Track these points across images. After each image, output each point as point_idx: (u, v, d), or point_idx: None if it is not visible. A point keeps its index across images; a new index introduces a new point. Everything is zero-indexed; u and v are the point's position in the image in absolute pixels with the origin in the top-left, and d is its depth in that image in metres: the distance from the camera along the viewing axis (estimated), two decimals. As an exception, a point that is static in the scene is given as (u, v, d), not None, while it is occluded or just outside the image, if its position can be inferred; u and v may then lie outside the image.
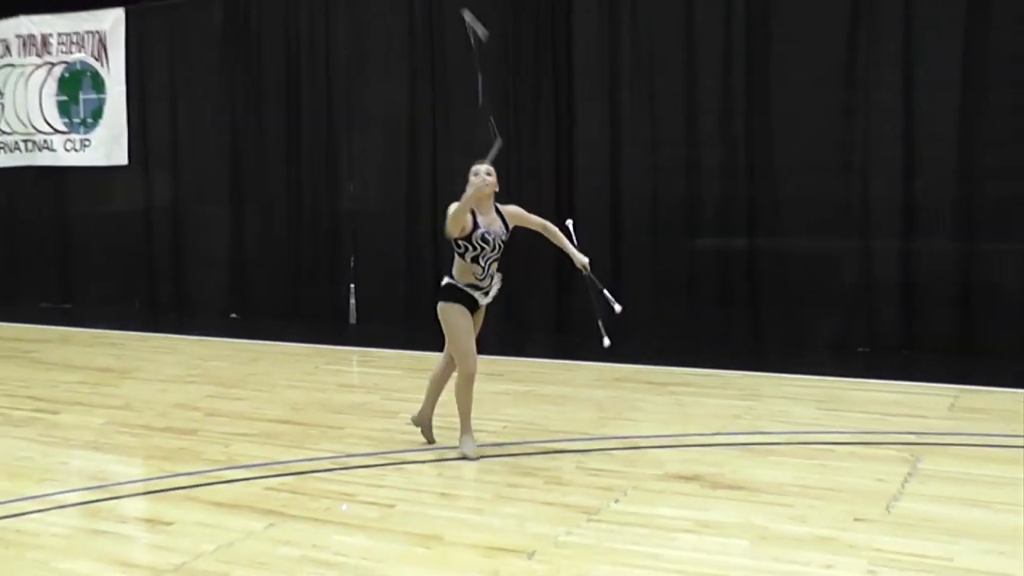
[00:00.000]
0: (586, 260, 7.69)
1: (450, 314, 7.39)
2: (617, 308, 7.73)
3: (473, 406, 7.58)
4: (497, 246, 7.37)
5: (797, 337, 11.49)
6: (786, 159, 11.50)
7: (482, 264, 7.34)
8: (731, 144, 11.72)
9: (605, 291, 7.75)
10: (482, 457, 7.55)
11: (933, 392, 9.34)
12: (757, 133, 11.61)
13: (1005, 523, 6.02)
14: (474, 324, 7.49)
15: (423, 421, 7.97)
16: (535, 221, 7.77)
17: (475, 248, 7.30)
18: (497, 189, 7.43)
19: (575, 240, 7.82)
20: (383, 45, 13.61)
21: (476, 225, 7.29)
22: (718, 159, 11.79)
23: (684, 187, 11.95)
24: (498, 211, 7.47)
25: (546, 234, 7.81)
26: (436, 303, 7.49)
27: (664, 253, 12.05)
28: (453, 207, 7.18)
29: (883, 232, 11.16)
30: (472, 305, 7.42)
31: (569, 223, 8.07)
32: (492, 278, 7.47)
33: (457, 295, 7.40)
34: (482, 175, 7.28)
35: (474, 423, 7.65)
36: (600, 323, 7.71)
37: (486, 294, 7.47)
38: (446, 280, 7.48)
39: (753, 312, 11.78)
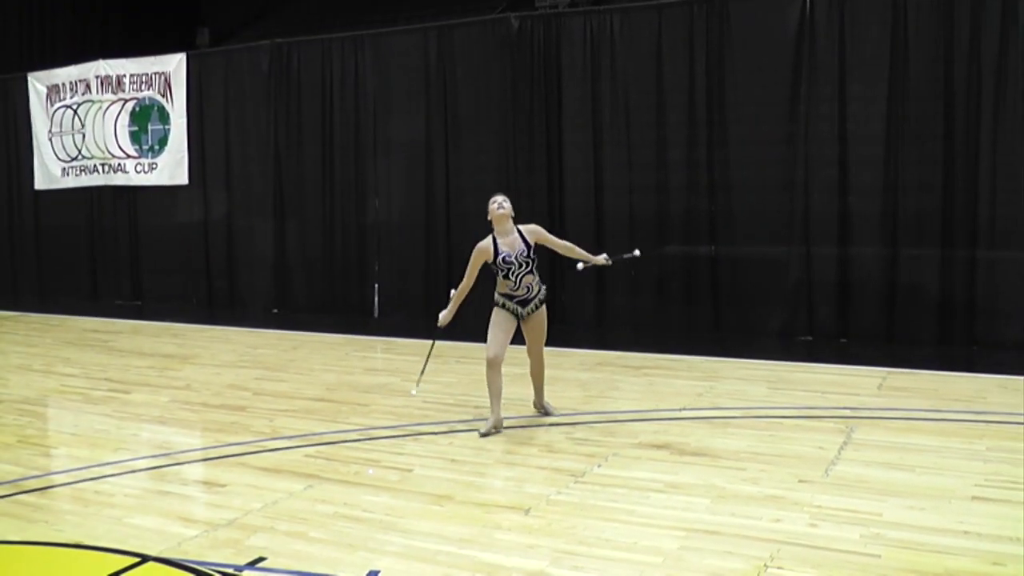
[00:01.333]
0: (603, 256, 7.85)
1: (493, 315, 7.48)
2: (636, 253, 8.26)
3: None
4: (522, 263, 7.34)
5: (750, 328, 11.46)
6: (740, 179, 11.50)
7: (512, 279, 7.36)
8: (694, 167, 11.70)
9: (624, 256, 8.15)
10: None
11: (864, 374, 9.30)
12: (716, 158, 11.59)
13: (926, 484, 6.00)
14: (528, 329, 7.53)
15: (535, 403, 8.03)
16: (556, 242, 7.69)
17: (502, 269, 7.33)
18: (513, 214, 7.40)
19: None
20: (403, 84, 13.59)
21: (497, 252, 7.32)
22: (684, 180, 11.77)
23: (655, 203, 11.93)
24: (519, 232, 7.41)
25: (566, 252, 7.79)
26: None
27: (639, 257, 11.98)
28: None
29: (822, 240, 11.13)
30: (513, 311, 7.44)
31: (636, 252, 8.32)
32: (528, 289, 7.41)
33: (496, 303, 7.47)
34: (499, 202, 7.38)
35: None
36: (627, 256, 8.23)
37: (524, 303, 7.42)
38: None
39: (713, 307, 11.75)
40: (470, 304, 7.56)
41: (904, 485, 5.98)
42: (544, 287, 7.58)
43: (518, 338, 7.55)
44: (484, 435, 7.41)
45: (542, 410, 7.92)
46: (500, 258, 7.32)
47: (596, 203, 12.24)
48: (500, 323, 7.44)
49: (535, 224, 7.63)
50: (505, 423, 7.60)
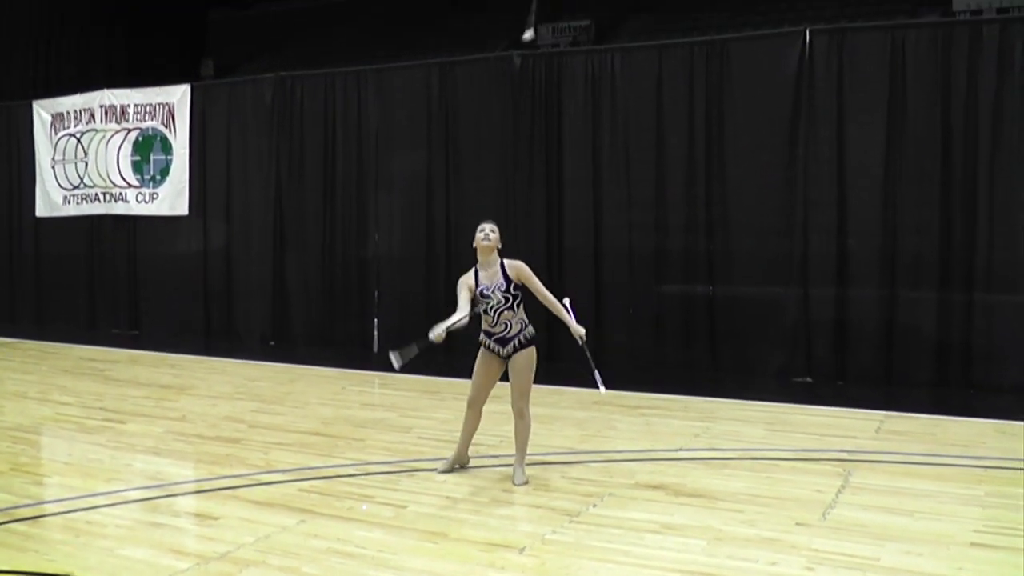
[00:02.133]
0: (583, 331, 7.12)
1: (478, 356, 7.22)
2: (602, 390, 7.07)
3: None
4: (500, 298, 7.02)
5: (747, 368, 11.41)
6: (739, 219, 11.50)
7: (490, 314, 7.07)
8: (693, 206, 11.70)
9: (596, 372, 7.11)
10: (482, 467, 7.47)
11: (862, 417, 9.24)
12: (714, 197, 11.60)
13: (924, 529, 5.94)
14: (511, 373, 7.09)
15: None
16: (538, 288, 7.15)
17: (480, 303, 7.06)
18: (499, 247, 7.12)
19: (573, 315, 7.21)
20: (405, 119, 13.61)
21: (477, 283, 7.09)
22: (682, 218, 11.77)
23: (654, 241, 11.92)
24: (503, 265, 7.09)
25: (545, 303, 7.20)
26: None
27: (637, 296, 12.00)
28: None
29: (819, 280, 11.11)
30: (493, 350, 7.13)
31: (567, 301, 7.34)
32: (507, 326, 7.06)
33: (480, 342, 7.21)
34: (486, 231, 7.07)
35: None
36: (596, 375, 7.29)
37: (502, 343, 7.07)
38: None
39: (711, 347, 11.71)
40: (467, 332, 7.37)
41: (902, 530, 5.92)
42: (529, 328, 7.16)
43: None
44: (442, 472, 7.34)
45: (514, 476, 7.17)
46: (479, 291, 7.07)
47: (595, 240, 12.23)
48: (481, 364, 7.19)
49: (521, 261, 7.20)
50: (503, 460, 7.54)
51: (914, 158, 10.68)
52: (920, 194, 10.66)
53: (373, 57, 23.76)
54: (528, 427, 7.19)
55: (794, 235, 11.20)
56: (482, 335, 7.19)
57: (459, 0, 26.84)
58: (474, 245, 7.14)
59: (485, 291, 7.06)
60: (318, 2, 32.99)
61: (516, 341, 7.10)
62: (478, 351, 7.23)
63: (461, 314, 6.93)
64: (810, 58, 11.08)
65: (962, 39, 10.48)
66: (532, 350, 7.14)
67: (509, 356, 7.11)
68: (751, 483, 7.01)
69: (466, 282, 7.10)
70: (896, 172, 10.76)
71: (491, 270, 7.09)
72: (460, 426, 7.39)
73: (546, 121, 12.49)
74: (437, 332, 6.77)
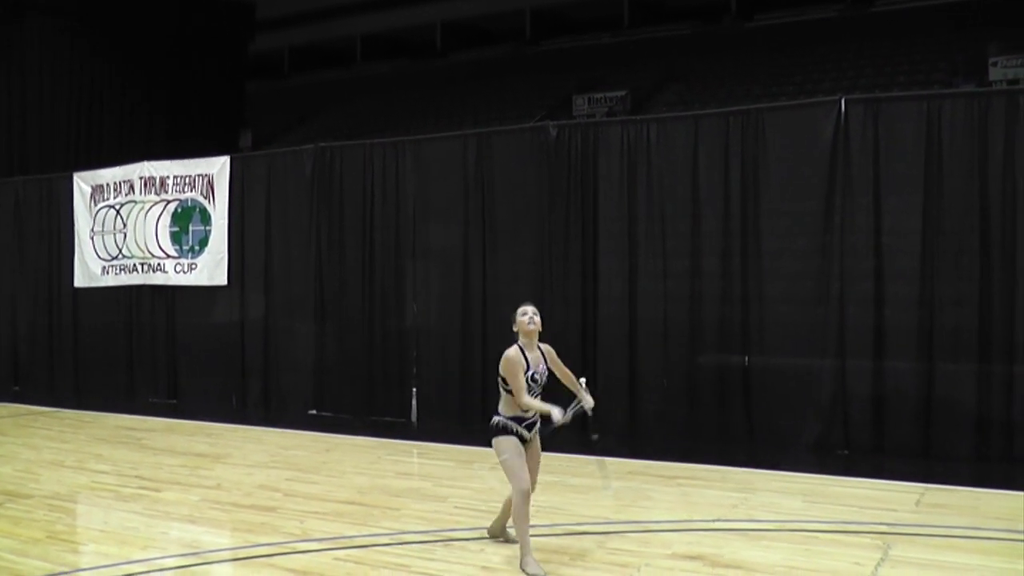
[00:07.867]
0: (593, 403, 6.97)
1: (502, 447, 6.82)
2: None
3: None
4: (542, 384, 6.90)
5: (784, 440, 11.32)
6: (774, 290, 11.48)
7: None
8: (728, 277, 11.70)
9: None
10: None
11: (901, 489, 9.17)
12: (750, 269, 11.59)
13: (965, 603, 5.90)
14: (529, 456, 6.89)
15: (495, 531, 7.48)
16: (564, 370, 7.07)
17: (532, 388, 6.84)
18: (540, 330, 6.98)
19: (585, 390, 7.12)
20: (442, 190, 13.73)
21: (528, 366, 6.81)
22: (717, 290, 11.76)
23: (689, 312, 11.91)
24: (541, 350, 6.99)
25: (565, 381, 7.09)
26: (489, 439, 6.96)
27: (672, 367, 11.98)
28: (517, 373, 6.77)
29: (856, 352, 11.05)
30: (520, 436, 6.86)
31: (583, 380, 7.15)
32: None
33: (506, 429, 6.84)
34: (529, 315, 6.89)
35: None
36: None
37: (530, 428, 6.90)
38: (495, 418, 6.93)
39: (747, 418, 11.65)
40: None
41: (943, 604, 5.88)
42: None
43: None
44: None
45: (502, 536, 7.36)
46: (529, 375, 6.78)
47: (631, 311, 12.24)
48: (521, 452, 6.83)
49: (549, 345, 7.11)
50: (539, 530, 7.53)
51: (952, 228, 10.66)
52: (958, 265, 10.63)
53: (409, 125, 24.14)
54: None
55: (830, 306, 11.17)
56: (508, 422, 6.88)
57: (495, 70, 27.31)
58: (515, 328, 6.98)
59: (536, 376, 6.85)
60: (354, 73, 33.66)
61: (538, 426, 7.00)
62: (504, 440, 6.89)
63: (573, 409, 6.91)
64: (846, 127, 11.13)
65: (999, 109, 10.51)
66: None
67: (530, 440, 6.96)
68: (789, 555, 6.98)
69: (521, 366, 6.80)
70: (933, 243, 10.74)
71: (535, 354, 6.92)
72: (498, 496, 7.43)
73: (582, 191, 12.58)
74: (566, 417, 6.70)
